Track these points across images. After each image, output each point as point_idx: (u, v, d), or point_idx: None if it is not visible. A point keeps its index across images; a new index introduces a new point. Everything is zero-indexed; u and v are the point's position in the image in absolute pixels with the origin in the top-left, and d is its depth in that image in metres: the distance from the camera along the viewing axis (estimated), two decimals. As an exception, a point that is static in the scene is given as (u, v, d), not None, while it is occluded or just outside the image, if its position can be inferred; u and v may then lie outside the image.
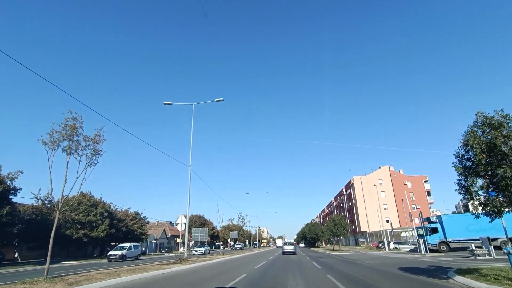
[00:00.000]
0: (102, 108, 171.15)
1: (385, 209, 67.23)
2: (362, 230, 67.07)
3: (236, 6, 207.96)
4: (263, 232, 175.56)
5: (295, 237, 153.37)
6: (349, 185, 74.78)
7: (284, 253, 31.16)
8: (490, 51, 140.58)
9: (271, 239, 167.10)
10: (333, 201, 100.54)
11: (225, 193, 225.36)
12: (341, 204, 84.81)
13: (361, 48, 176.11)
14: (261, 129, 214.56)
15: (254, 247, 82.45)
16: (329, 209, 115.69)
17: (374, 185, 62.79)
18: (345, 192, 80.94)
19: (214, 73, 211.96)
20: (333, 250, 41.25)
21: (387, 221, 67.07)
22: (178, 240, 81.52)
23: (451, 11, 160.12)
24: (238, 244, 70.52)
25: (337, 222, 40.40)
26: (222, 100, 23.39)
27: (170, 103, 23.22)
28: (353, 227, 71.90)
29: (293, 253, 31.20)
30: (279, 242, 79.65)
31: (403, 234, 57.66)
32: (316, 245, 75.33)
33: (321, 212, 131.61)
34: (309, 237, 71.75)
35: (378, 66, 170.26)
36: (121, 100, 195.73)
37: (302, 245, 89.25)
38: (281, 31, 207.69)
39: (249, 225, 75.49)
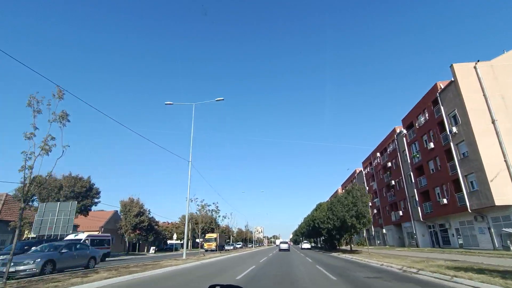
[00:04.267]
0: (102, 105, 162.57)
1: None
2: (495, 203, 22.14)
3: (236, 5, 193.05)
4: (258, 232, 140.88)
5: (291, 235, 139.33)
6: (434, 93, 30.05)
7: (281, 249, 38.07)
8: (490, 51, 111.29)
9: (265, 239, 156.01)
10: (361, 169, 56.95)
11: (223, 192, 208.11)
12: (394, 160, 40.78)
13: (363, 48, 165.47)
14: (260, 129, 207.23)
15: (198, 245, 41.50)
16: (345, 188, 71.92)
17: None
18: (404, 129, 36.36)
19: (214, 72, 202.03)
20: None
21: None
22: (27, 234, 35.89)
23: (451, 10, 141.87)
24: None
25: None
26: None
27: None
28: (437, 200, 28.70)
29: (287, 250, 37.85)
30: (277, 242, 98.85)
31: None
32: (338, 245, 35.43)
33: (331, 197, 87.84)
34: (327, 228, 29.50)
35: (378, 65, 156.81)
36: (121, 98, 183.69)
37: (306, 245, 48.75)
38: (282, 30, 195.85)
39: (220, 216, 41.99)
